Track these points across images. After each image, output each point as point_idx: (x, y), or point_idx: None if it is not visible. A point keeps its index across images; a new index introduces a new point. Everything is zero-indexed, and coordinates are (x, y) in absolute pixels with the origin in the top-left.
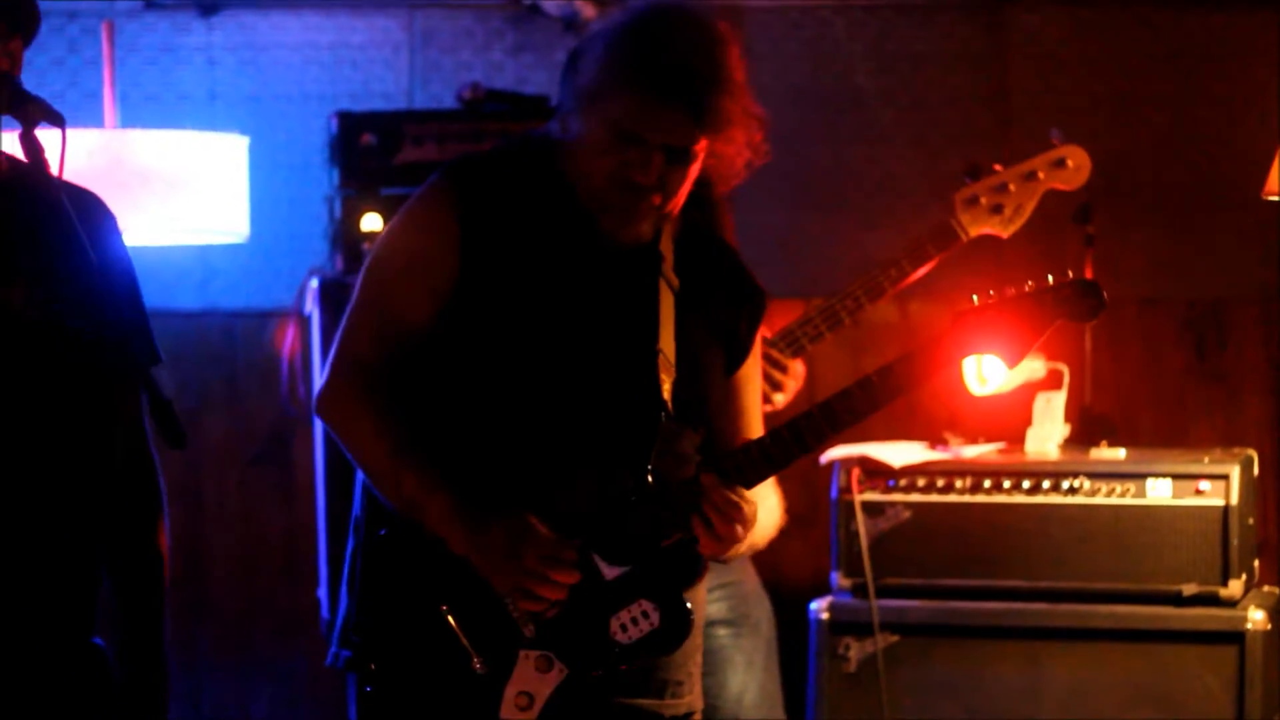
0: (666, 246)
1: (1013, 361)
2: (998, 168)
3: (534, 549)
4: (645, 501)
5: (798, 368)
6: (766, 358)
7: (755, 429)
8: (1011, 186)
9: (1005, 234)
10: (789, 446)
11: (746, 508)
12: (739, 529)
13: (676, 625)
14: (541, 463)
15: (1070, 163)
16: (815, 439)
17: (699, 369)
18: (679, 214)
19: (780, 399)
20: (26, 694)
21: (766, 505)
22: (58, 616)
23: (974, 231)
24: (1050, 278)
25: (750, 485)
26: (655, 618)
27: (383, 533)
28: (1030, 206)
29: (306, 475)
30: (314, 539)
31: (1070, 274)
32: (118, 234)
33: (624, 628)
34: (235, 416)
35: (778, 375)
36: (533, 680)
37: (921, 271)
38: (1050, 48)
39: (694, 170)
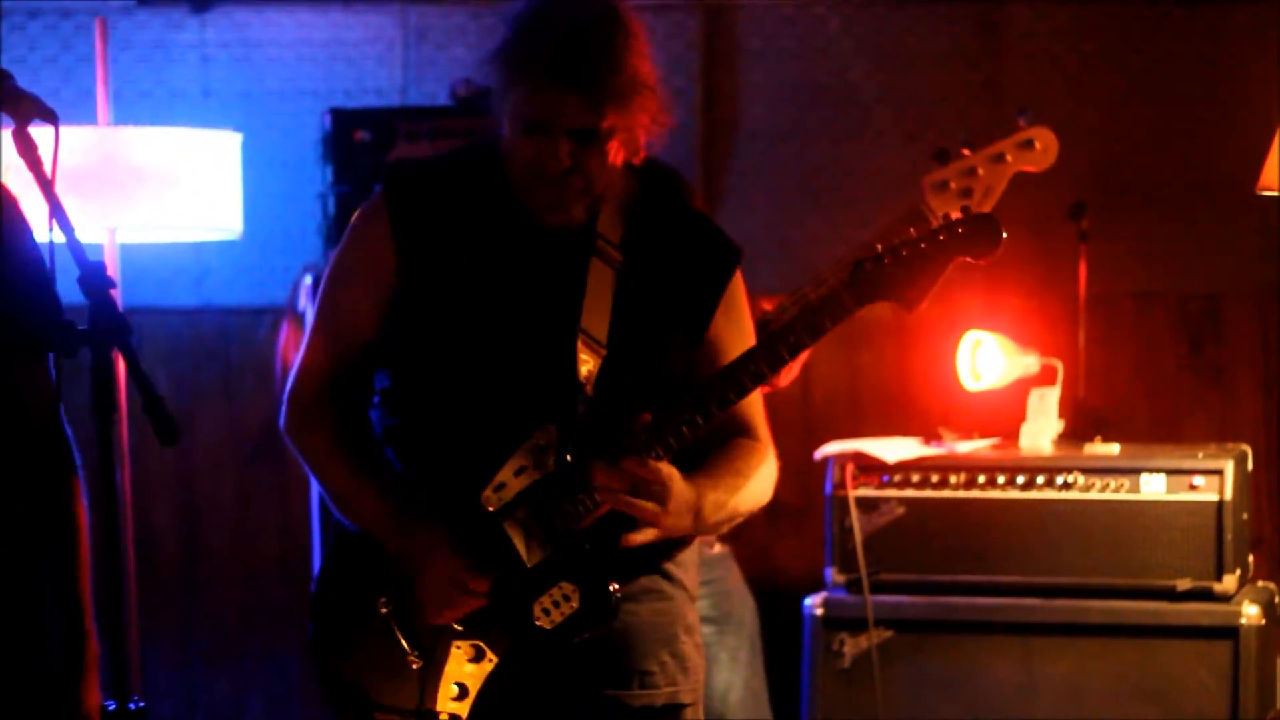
0: (610, 224)
1: (912, 306)
2: (965, 152)
3: (443, 575)
4: (561, 485)
5: None
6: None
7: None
8: (980, 170)
9: None
10: (689, 412)
11: (655, 485)
12: (649, 506)
13: (598, 606)
14: (468, 451)
15: (1038, 144)
16: (718, 405)
17: (648, 345)
18: (634, 185)
19: (785, 374)
20: None
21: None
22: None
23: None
24: (951, 214)
25: (666, 453)
26: (576, 600)
27: (345, 526)
28: (999, 189)
29: (301, 472)
30: (309, 535)
31: (967, 211)
32: (15, 216)
33: (546, 611)
34: (230, 413)
35: None
36: (465, 671)
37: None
38: (1044, 44)
39: (612, 147)
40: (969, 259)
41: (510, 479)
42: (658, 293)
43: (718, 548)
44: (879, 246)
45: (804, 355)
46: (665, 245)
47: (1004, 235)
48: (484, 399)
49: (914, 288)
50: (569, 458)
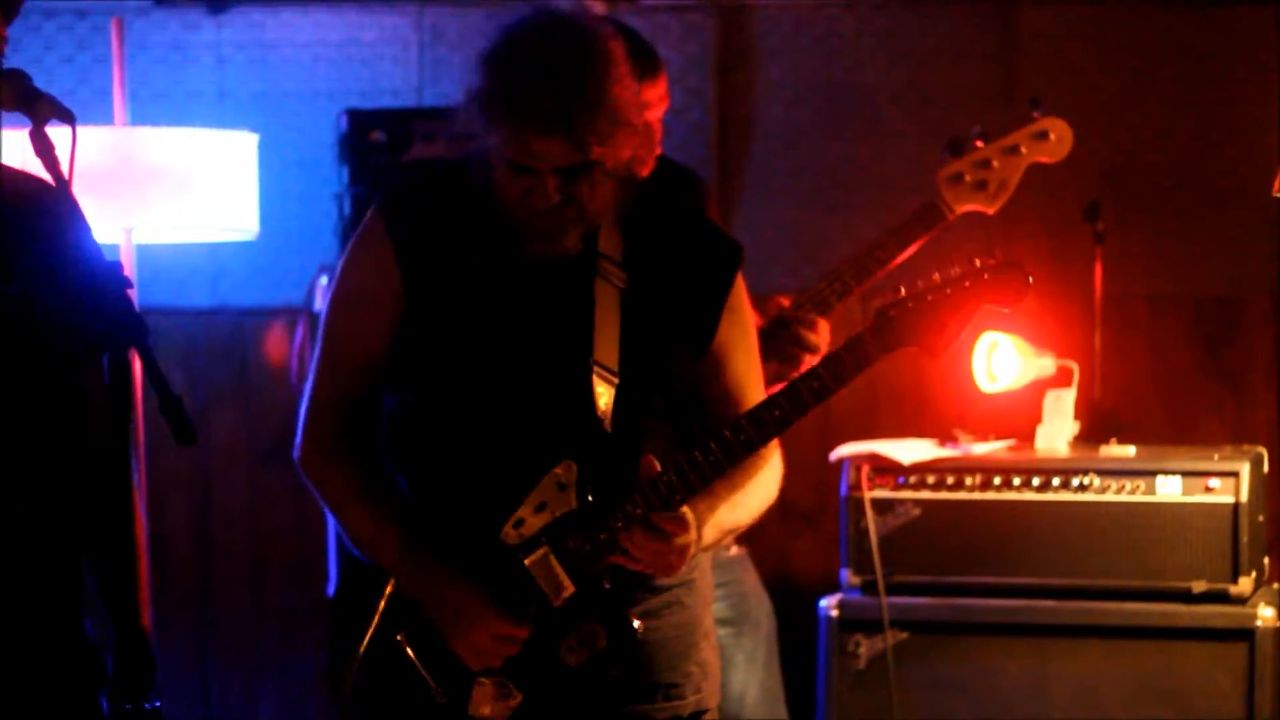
0: (610, 242)
1: (937, 354)
2: (979, 144)
3: (483, 629)
4: (583, 523)
5: (824, 329)
6: (794, 322)
7: (752, 394)
8: (994, 162)
9: (990, 210)
10: (713, 463)
11: (675, 537)
12: (668, 560)
13: (623, 643)
14: (485, 486)
15: (1052, 135)
16: (743, 449)
17: (657, 364)
18: (631, 194)
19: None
20: (15, 687)
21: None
22: (42, 608)
23: (959, 209)
24: (976, 261)
25: (689, 496)
26: (602, 638)
27: (356, 553)
28: (1014, 181)
29: None
30: (323, 537)
31: (994, 258)
32: (75, 217)
33: (572, 650)
34: (245, 414)
35: (810, 336)
36: (492, 706)
37: (909, 252)
38: (1059, 44)
39: (600, 175)
40: (994, 306)
41: (530, 516)
42: (663, 307)
43: (734, 549)
44: (902, 291)
45: (815, 355)
46: (667, 254)
47: (1030, 282)
48: (500, 433)
49: (939, 335)
50: (590, 497)
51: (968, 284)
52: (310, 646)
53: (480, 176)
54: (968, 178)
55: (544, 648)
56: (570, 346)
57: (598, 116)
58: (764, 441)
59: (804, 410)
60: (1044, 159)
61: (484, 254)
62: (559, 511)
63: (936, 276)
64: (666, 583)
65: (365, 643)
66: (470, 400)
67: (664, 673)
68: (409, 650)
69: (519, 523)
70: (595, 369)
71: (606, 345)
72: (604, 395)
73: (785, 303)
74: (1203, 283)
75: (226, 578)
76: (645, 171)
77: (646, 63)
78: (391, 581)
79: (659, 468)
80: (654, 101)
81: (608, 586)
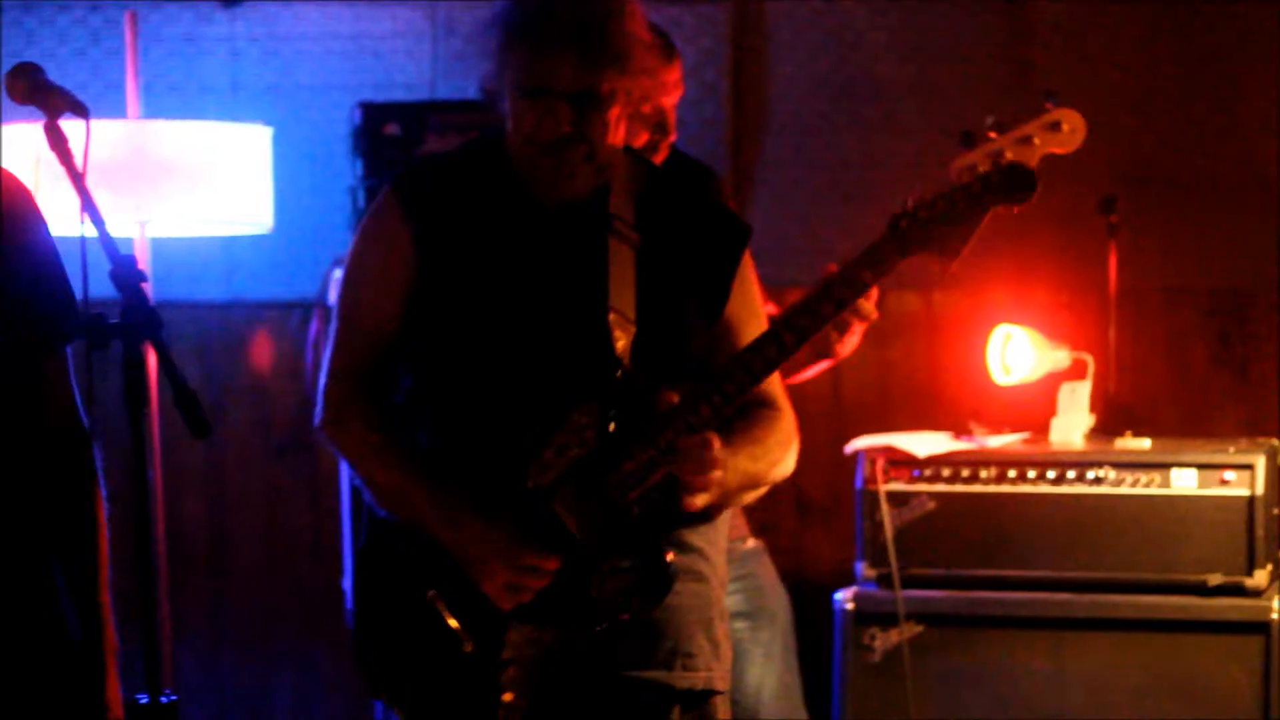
0: (623, 205)
1: (953, 257)
2: (992, 135)
3: (510, 565)
4: (607, 458)
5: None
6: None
7: None
8: (1007, 153)
9: None
10: (738, 374)
11: (715, 449)
12: (713, 473)
13: (656, 576)
14: (509, 433)
15: (1065, 126)
16: (754, 370)
17: (672, 322)
18: (641, 167)
19: (850, 342)
20: None
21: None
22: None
23: None
24: (978, 168)
25: (715, 416)
26: (633, 571)
27: (382, 514)
28: None
29: (331, 466)
30: (339, 529)
31: (1000, 161)
32: (30, 210)
33: (602, 584)
34: (260, 407)
35: (865, 303)
36: (520, 652)
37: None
38: (1072, 37)
39: (614, 115)
40: (1005, 206)
41: (554, 458)
42: (676, 272)
43: (750, 542)
44: (910, 203)
45: (865, 323)
46: (677, 226)
47: (1038, 181)
48: (520, 381)
49: (954, 238)
50: (612, 427)
51: (976, 187)
52: (325, 639)
53: (492, 144)
54: (981, 169)
55: (574, 585)
56: (586, 292)
57: (613, 37)
58: (784, 354)
59: (824, 320)
60: (1057, 150)
61: (496, 208)
62: (582, 451)
63: (941, 188)
64: (688, 538)
65: (395, 602)
66: (489, 350)
67: (681, 640)
68: (440, 605)
69: (544, 465)
70: (612, 313)
71: (622, 294)
72: (621, 339)
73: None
74: (1217, 275)
75: (241, 571)
76: (659, 159)
77: (662, 48)
78: (417, 541)
79: (678, 399)
80: (670, 86)
81: (637, 515)
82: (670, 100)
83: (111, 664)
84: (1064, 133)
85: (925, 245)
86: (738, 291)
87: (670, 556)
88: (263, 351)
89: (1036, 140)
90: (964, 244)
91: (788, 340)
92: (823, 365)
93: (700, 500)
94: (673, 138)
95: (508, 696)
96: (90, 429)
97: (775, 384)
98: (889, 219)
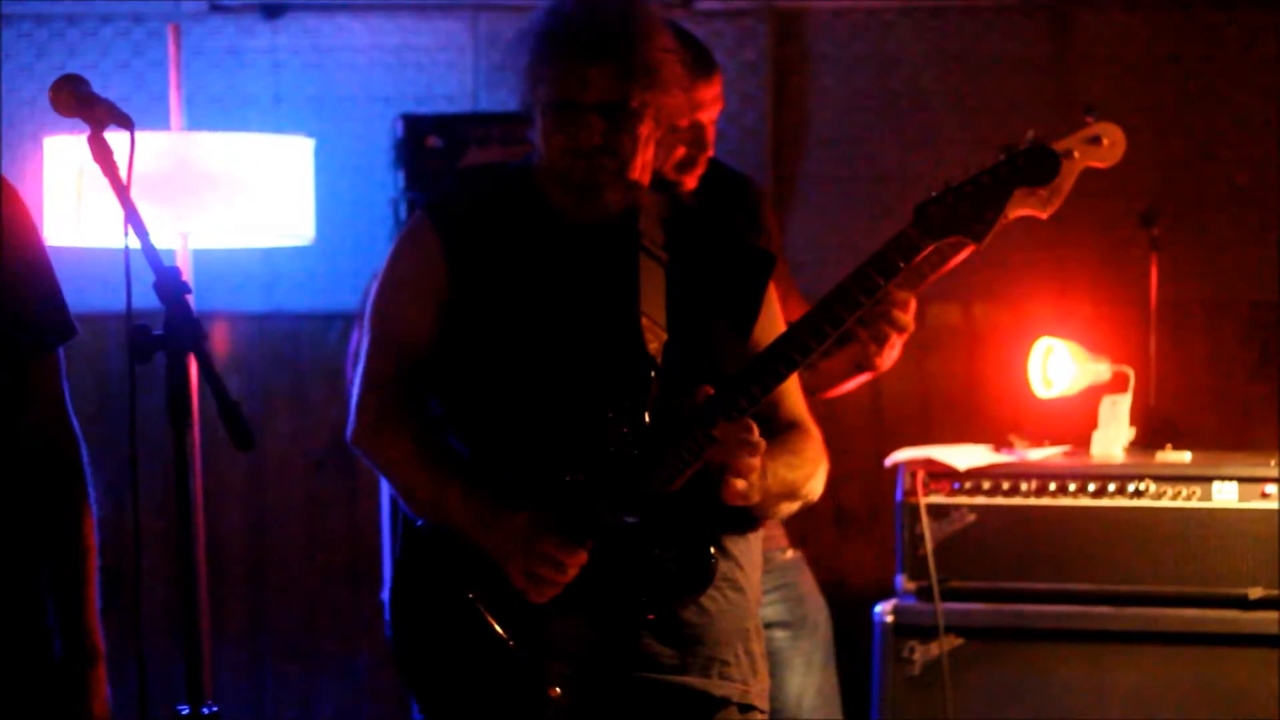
0: (651, 226)
1: (980, 238)
2: None
3: (535, 555)
4: (647, 451)
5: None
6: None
7: (792, 393)
8: None
9: (1044, 214)
10: (772, 367)
11: (755, 434)
12: (753, 459)
13: (697, 567)
14: (544, 436)
15: (1105, 140)
16: (791, 359)
17: (701, 333)
18: (667, 197)
19: (889, 355)
20: None
21: (803, 457)
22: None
23: (1012, 214)
24: (1001, 153)
25: (750, 405)
26: (674, 563)
27: (419, 524)
28: (1068, 186)
29: (371, 478)
30: (378, 541)
31: (1022, 142)
32: (20, 213)
33: (642, 578)
34: (300, 419)
35: (903, 316)
36: (564, 650)
37: (961, 256)
38: (1115, 51)
39: (643, 130)
40: (1030, 188)
41: (591, 456)
42: (705, 291)
43: (790, 553)
44: (933, 193)
45: (904, 335)
46: (705, 251)
47: (1061, 164)
48: (555, 385)
49: (980, 221)
50: (647, 418)
51: (1000, 170)
52: (366, 650)
53: (521, 171)
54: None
55: (615, 579)
56: (618, 298)
57: (643, 52)
58: (820, 341)
59: (856, 307)
60: (1097, 164)
61: (526, 227)
62: (617, 449)
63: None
64: (727, 547)
65: (437, 607)
66: (523, 356)
67: (718, 648)
68: (481, 607)
69: (582, 464)
70: (644, 318)
71: (653, 304)
72: (653, 343)
73: None
74: (1258, 288)
75: (282, 583)
76: (697, 173)
77: (702, 63)
78: (455, 546)
79: (714, 391)
80: (708, 102)
81: (683, 511)
82: (709, 116)
83: (97, 677)
84: (1104, 147)
85: (951, 228)
86: (765, 311)
87: (713, 550)
88: (303, 363)
89: (1076, 154)
90: (990, 228)
91: (826, 329)
92: (863, 378)
93: (740, 486)
94: (710, 153)
95: (554, 692)
96: (79, 432)
97: (804, 408)
98: (914, 206)
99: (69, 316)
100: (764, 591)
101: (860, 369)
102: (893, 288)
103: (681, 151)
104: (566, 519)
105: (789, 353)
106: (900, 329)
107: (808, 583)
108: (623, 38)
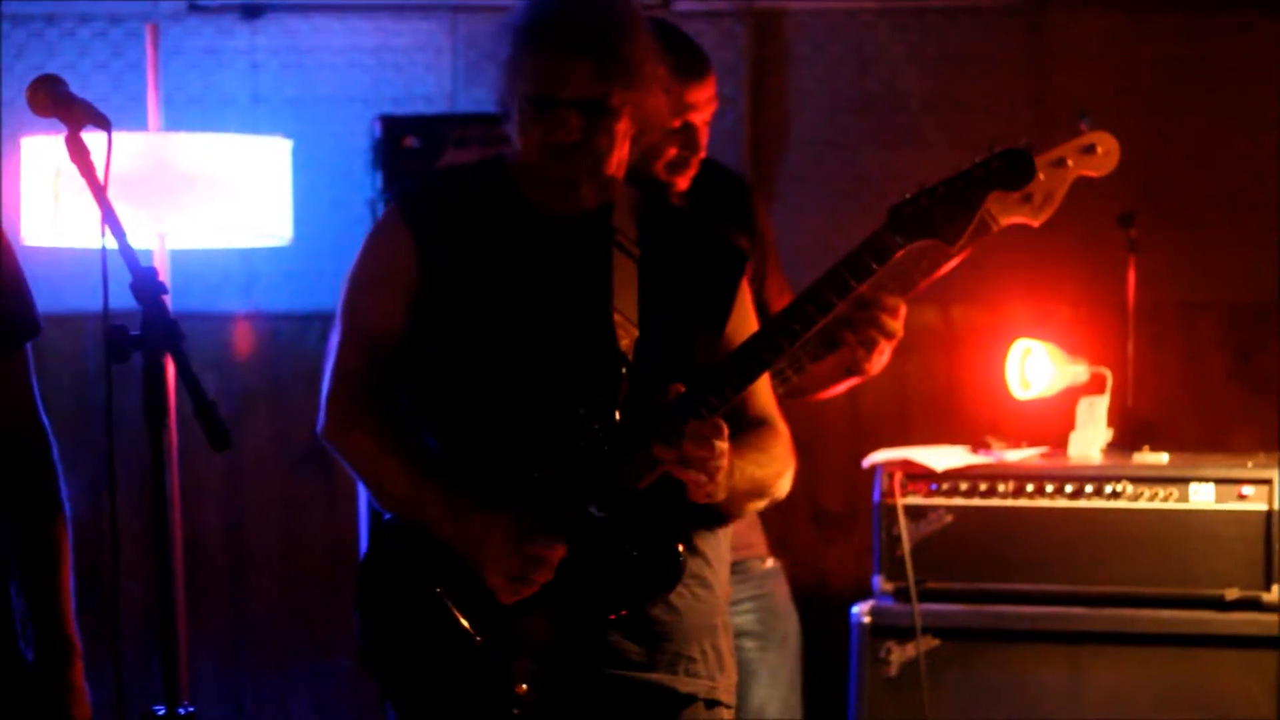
0: (625, 221)
1: (953, 241)
2: None
3: (511, 553)
4: (616, 448)
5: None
6: (874, 304)
7: (763, 391)
8: (1040, 175)
9: (1036, 222)
10: (744, 365)
11: (723, 433)
12: (721, 458)
13: (666, 565)
14: (514, 431)
15: (1099, 149)
16: (763, 359)
17: (673, 330)
18: (641, 193)
19: (878, 361)
20: None
21: (771, 454)
22: None
23: (1004, 221)
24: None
25: (721, 404)
26: (643, 560)
27: (387, 518)
28: (1060, 194)
29: (348, 478)
30: (356, 542)
31: (997, 146)
32: None
33: (610, 574)
34: (278, 419)
35: (892, 322)
36: (530, 646)
37: (952, 264)
38: (1091, 52)
39: (620, 128)
40: (1004, 191)
41: (560, 452)
42: (677, 287)
43: (770, 562)
44: (907, 195)
45: (893, 341)
46: (678, 248)
47: (1037, 167)
48: (525, 379)
49: (954, 223)
50: (618, 416)
51: (975, 172)
52: (343, 649)
53: (494, 163)
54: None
55: (584, 576)
56: (589, 293)
57: (623, 48)
58: (792, 342)
59: (829, 308)
60: (1090, 173)
61: (499, 219)
62: (588, 445)
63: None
64: (695, 544)
65: (404, 602)
66: (493, 350)
67: (684, 644)
68: (444, 599)
69: (551, 460)
70: (616, 314)
71: (626, 300)
72: (625, 339)
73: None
74: (1235, 290)
75: (259, 582)
76: (688, 175)
77: (694, 65)
78: (423, 540)
79: (684, 389)
80: (701, 103)
81: (651, 509)
82: (701, 117)
83: (75, 676)
84: (1098, 155)
85: (925, 230)
86: (739, 308)
87: (681, 549)
88: (281, 363)
89: (1070, 162)
90: (964, 230)
91: (797, 329)
92: (851, 382)
93: (707, 484)
94: (702, 155)
95: (521, 688)
96: (50, 430)
97: (774, 406)
98: (889, 208)
99: (36, 314)
100: (739, 600)
101: (849, 373)
102: (883, 294)
103: (673, 152)
104: (541, 519)
105: (760, 352)
106: (889, 335)
107: (783, 595)
108: (604, 34)
